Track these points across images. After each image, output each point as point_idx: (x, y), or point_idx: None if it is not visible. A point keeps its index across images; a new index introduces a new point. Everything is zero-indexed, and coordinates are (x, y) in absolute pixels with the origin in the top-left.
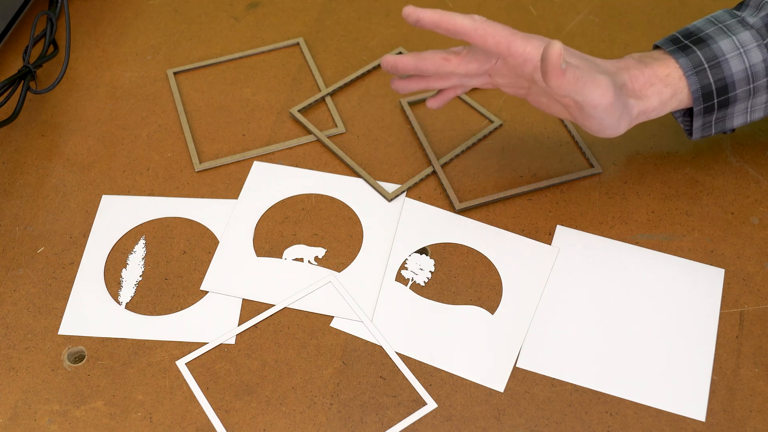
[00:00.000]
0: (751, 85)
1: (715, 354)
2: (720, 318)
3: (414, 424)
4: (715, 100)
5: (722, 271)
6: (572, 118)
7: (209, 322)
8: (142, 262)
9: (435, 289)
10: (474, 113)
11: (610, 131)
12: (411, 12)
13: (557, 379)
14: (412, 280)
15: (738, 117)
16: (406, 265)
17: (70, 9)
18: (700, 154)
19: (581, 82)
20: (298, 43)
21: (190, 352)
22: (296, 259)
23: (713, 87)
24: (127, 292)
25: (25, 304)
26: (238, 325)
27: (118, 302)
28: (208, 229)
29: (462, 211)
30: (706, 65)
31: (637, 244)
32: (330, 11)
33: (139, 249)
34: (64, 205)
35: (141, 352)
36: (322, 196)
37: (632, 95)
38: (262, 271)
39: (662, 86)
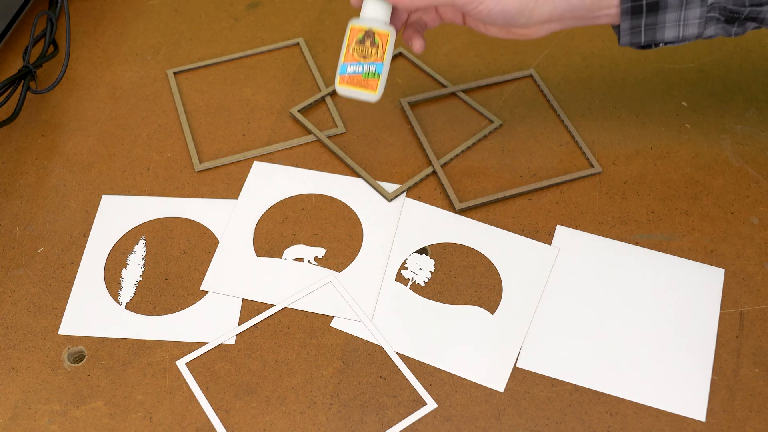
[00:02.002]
0: None
1: (715, 354)
2: (720, 318)
3: (414, 424)
4: (644, 1)
5: (722, 271)
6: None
7: (209, 322)
8: (142, 262)
9: (435, 289)
10: (474, 113)
11: (523, 20)
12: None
13: (557, 379)
14: (412, 280)
15: (670, 29)
16: (406, 265)
17: (70, 9)
18: (700, 154)
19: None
20: (298, 43)
21: (190, 352)
22: (296, 259)
23: None
24: (127, 292)
25: (25, 304)
26: (238, 325)
27: (118, 302)
28: (208, 229)
29: (462, 211)
30: None
31: (637, 244)
32: (330, 11)
33: (139, 249)
34: (64, 205)
35: (141, 352)
36: (322, 196)
37: None
38: (262, 271)
39: None
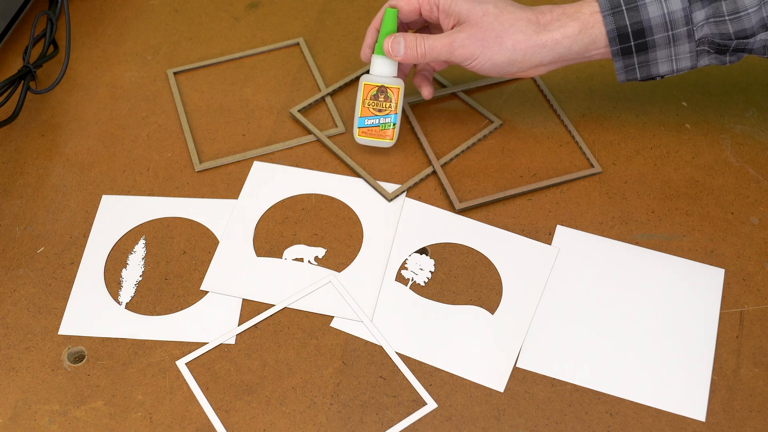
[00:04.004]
0: (670, 33)
1: (715, 354)
2: (720, 318)
3: (414, 424)
4: (632, 43)
5: (722, 271)
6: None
7: (209, 322)
8: (142, 262)
9: (435, 289)
10: (474, 113)
11: (508, 68)
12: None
13: (557, 379)
14: (412, 280)
15: (663, 64)
16: (406, 265)
17: (70, 9)
18: (700, 154)
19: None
20: (298, 43)
21: (190, 352)
22: (296, 259)
23: (629, 29)
24: (127, 292)
25: (25, 304)
26: (238, 325)
27: (118, 302)
28: (208, 229)
29: (462, 211)
30: (623, 6)
31: (637, 244)
32: (330, 11)
33: (139, 249)
34: (64, 205)
35: (141, 352)
36: (322, 196)
37: (539, 30)
38: (262, 271)
39: (568, 20)
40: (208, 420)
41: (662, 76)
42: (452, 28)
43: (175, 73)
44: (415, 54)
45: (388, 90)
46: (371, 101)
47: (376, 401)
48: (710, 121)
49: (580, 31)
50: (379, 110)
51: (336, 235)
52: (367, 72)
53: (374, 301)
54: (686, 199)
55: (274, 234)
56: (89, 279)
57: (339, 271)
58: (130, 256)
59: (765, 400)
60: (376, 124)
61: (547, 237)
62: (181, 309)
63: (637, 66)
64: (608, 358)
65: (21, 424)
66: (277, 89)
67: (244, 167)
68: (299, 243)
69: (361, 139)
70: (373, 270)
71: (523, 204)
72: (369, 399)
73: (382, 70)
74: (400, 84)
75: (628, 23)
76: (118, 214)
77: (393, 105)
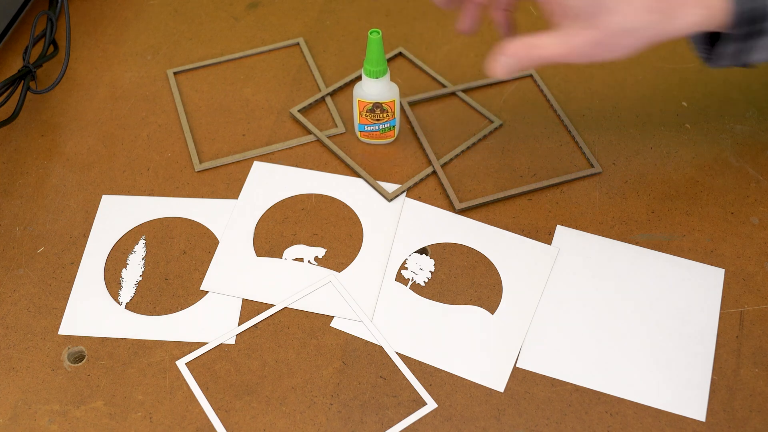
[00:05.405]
0: None
1: (715, 354)
2: (720, 318)
3: (414, 424)
4: (753, 27)
5: (722, 271)
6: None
7: (209, 322)
8: (142, 262)
9: (435, 289)
10: (474, 113)
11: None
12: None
13: (557, 379)
14: (412, 280)
15: (760, 51)
16: (406, 265)
17: (70, 9)
18: (700, 154)
19: None
20: (298, 43)
21: (190, 352)
22: (296, 259)
23: (755, 13)
24: (127, 292)
25: (25, 304)
26: (238, 325)
27: (118, 302)
28: (208, 229)
29: (462, 211)
30: None
31: (637, 244)
32: (330, 11)
33: (139, 249)
34: (64, 205)
35: (141, 352)
36: (322, 196)
37: (662, 20)
38: (262, 271)
39: (698, 9)
40: (208, 420)
41: (749, 65)
42: (559, 18)
43: (175, 73)
44: (522, 66)
45: (383, 104)
46: (368, 114)
47: (376, 401)
48: (710, 121)
49: (702, 22)
50: (377, 119)
51: (336, 235)
52: (360, 77)
53: (374, 301)
54: (686, 199)
55: (274, 234)
56: (89, 279)
57: (339, 271)
58: (130, 256)
59: (765, 400)
60: (376, 129)
61: (547, 237)
62: (181, 309)
63: (737, 52)
64: (608, 358)
65: (21, 424)
66: (277, 89)
67: (244, 167)
68: (299, 243)
69: (364, 140)
70: (373, 270)
71: (523, 204)
72: (369, 399)
73: (372, 92)
74: (394, 96)
75: (756, 5)
76: (118, 214)
77: (390, 114)
